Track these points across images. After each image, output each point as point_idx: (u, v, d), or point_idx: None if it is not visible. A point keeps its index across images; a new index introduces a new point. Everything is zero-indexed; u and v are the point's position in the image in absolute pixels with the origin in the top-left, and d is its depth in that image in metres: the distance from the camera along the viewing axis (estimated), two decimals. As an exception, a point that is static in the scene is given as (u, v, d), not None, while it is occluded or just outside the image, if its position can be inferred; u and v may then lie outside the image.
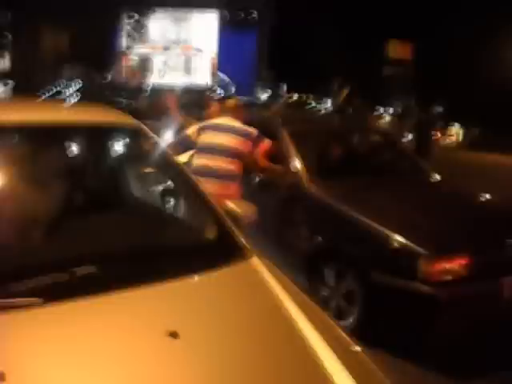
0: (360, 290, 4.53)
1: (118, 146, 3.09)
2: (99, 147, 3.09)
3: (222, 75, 36.31)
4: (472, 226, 4.71)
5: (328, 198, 5.07)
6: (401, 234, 4.36)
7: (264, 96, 41.88)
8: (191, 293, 2.18)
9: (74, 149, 3.06)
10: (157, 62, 41.56)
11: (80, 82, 35.12)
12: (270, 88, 43.72)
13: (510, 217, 5.30)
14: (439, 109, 38.20)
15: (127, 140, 3.11)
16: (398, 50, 16.29)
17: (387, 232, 4.42)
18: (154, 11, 36.33)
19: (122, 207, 2.94)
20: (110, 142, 3.08)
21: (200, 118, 5.91)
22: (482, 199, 5.72)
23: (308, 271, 5.01)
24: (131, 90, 31.83)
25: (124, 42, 34.32)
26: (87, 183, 2.89)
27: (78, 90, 34.30)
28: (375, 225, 4.52)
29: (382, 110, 36.11)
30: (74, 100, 30.71)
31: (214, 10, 38.95)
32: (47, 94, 32.51)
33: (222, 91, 34.95)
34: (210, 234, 2.65)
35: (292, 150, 5.47)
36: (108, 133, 3.07)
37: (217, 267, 2.33)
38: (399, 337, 4.39)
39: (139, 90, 31.19)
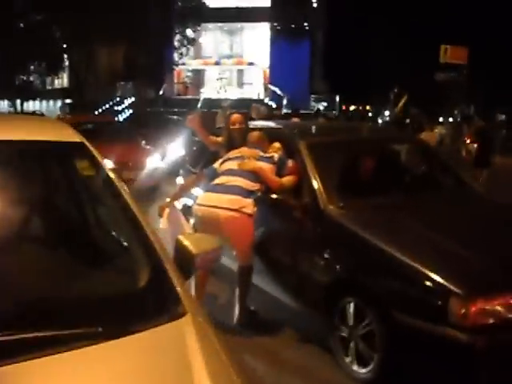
0: (381, 332, 3.77)
1: (51, 168, 2.50)
2: (23, 169, 2.49)
3: (273, 88, 35.92)
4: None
5: (348, 221, 4.33)
6: (430, 267, 3.57)
7: (320, 107, 41.16)
8: (88, 368, 1.63)
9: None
10: (210, 76, 41.71)
11: (132, 97, 35.50)
12: (324, 100, 42.93)
13: None
14: (501, 117, 36.56)
15: (63, 160, 2.51)
16: (450, 54, 15.32)
17: (415, 265, 3.64)
18: (204, 26, 36.19)
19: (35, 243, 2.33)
20: (39, 163, 2.48)
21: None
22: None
23: (325, 305, 4.29)
24: (183, 104, 31.73)
25: (176, 57, 34.30)
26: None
27: (130, 106, 34.68)
28: (401, 256, 3.75)
29: (441, 119, 34.81)
30: (125, 115, 31.04)
31: (265, 22, 38.62)
32: (100, 110, 33.01)
33: (274, 104, 34.59)
34: (139, 281, 2.01)
35: (309, 165, 4.76)
36: (38, 152, 2.47)
37: (133, 330, 1.77)
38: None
39: (192, 103, 31.05)
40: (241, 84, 40.75)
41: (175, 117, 19.28)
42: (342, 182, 4.82)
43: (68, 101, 37.66)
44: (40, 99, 43.20)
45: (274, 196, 4.86)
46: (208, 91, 38.65)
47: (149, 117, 21.25)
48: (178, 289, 1.98)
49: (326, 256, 4.33)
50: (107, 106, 36.34)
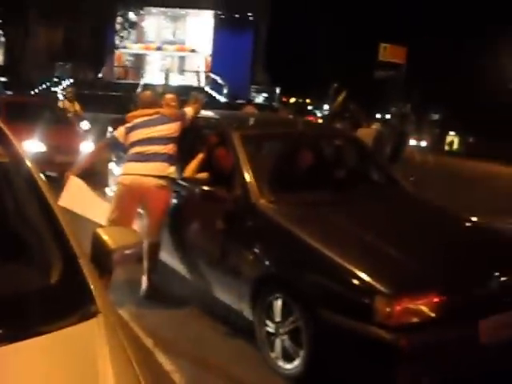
0: (307, 328, 3.73)
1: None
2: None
3: (215, 76, 35.62)
4: (448, 256, 3.91)
5: (278, 216, 4.28)
6: (357, 265, 3.56)
7: (260, 99, 41.11)
8: None
9: None
10: (151, 61, 40.98)
11: (71, 79, 34.48)
12: (265, 91, 42.94)
13: (498, 244, 4.48)
14: (435, 116, 37.61)
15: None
16: (390, 53, 15.54)
17: (342, 263, 3.63)
18: (147, 10, 35.49)
19: None
20: None
21: None
22: (465, 221, 4.93)
23: (253, 300, 4.23)
24: (123, 88, 31.02)
25: (117, 40, 33.50)
26: None
27: (68, 87, 33.72)
28: (329, 253, 3.72)
29: (379, 115, 35.43)
30: (62, 97, 30.20)
31: (209, 10, 38.19)
32: (36, 91, 31.93)
33: (215, 92, 34.33)
34: (52, 275, 1.87)
35: (242, 157, 4.67)
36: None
37: (38, 332, 1.64)
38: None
39: (131, 88, 30.40)
40: (182, 71, 40.16)
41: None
42: (274, 176, 4.77)
43: (2, 79, 36.28)
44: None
45: (206, 188, 4.74)
46: (148, 76, 37.94)
47: (87, 100, 20.69)
48: (92, 286, 1.86)
49: (255, 250, 4.27)
50: (44, 86, 35.19)
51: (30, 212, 2.18)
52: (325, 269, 3.73)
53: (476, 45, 28.77)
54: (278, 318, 4.00)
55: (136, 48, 40.11)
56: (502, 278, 3.82)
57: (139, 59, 41.25)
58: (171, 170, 4.98)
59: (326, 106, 38.98)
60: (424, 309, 3.43)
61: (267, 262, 4.21)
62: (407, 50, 15.94)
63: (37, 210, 2.14)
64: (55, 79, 35.84)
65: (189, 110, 5.34)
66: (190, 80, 37.43)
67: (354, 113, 15.67)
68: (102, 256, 2.10)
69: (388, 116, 35.63)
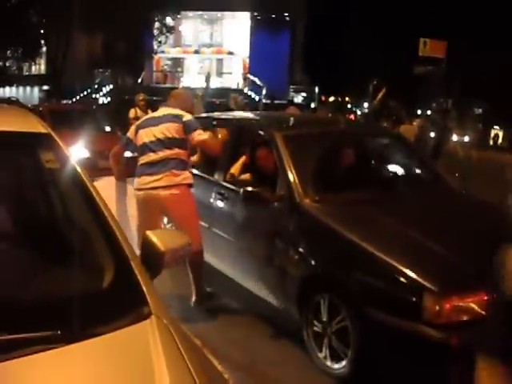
0: (355, 328, 3.73)
1: (17, 160, 2.40)
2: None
3: (253, 78, 35.72)
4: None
5: (323, 215, 4.28)
6: (405, 264, 3.54)
7: (299, 98, 41.06)
8: (45, 374, 1.56)
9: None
10: (189, 64, 41.36)
11: (111, 85, 35.06)
12: (303, 91, 42.86)
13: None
14: (478, 110, 36.91)
15: (29, 151, 2.41)
16: (430, 48, 15.33)
17: (389, 260, 3.61)
18: (183, 14, 35.81)
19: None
20: (6, 154, 2.37)
21: None
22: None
23: (299, 300, 4.24)
24: (163, 92, 31.36)
25: (155, 45, 33.89)
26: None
27: (109, 93, 34.27)
28: (376, 252, 3.70)
29: (419, 111, 34.96)
30: (103, 103, 30.73)
31: (245, 12, 38.31)
32: (77, 97, 32.60)
33: (254, 94, 34.42)
34: (105, 279, 1.92)
35: (285, 157, 4.69)
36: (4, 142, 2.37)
37: (94, 334, 1.69)
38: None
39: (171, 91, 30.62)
40: (220, 73, 40.43)
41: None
42: (318, 175, 4.75)
43: (45, 87, 37.12)
44: (16, 85, 42.51)
45: (250, 189, 4.77)
46: (187, 80, 38.32)
47: (127, 105, 21.01)
48: (144, 289, 1.91)
49: (300, 250, 4.28)
50: (85, 93, 35.88)
51: (81, 216, 2.24)
52: (372, 267, 3.72)
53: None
54: (325, 318, 4.01)
55: (174, 52, 40.57)
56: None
57: (177, 63, 41.72)
58: (182, 176, 4.78)
59: (365, 104, 38.70)
60: (474, 307, 3.39)
61: (313, 262, 4.22)
62: (447, 45, 15.72)
63: (88, 214, 2.19)
64: (95, 86, 36.54)
65: (202, 136, 4.86)
66: (228, 82, 37.68)
67: (394, 110, 15.54)
68: (152, 258, 2.15)
69: (429, 112, 35.19)
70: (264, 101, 29.20)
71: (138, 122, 5.15)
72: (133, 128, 5.08)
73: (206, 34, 41.55)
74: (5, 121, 2.51)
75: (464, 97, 27.10)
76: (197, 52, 40.55)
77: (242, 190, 4.72)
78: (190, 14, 38.29)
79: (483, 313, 3.37)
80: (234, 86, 35.86)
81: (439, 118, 18.46)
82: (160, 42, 32.62)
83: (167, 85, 36.66)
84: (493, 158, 21.72)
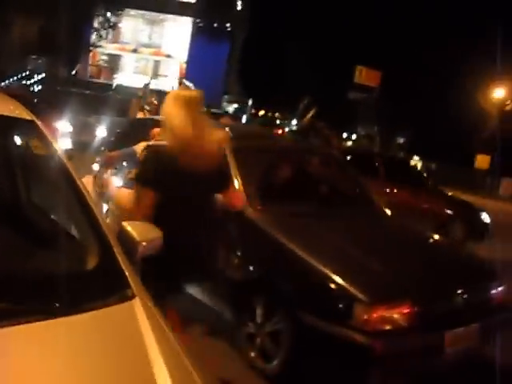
0: (288, 330, 4.03)
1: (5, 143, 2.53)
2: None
3: (188, 83, 35.76)
4: (418, 272, 4.26)
5: (265, 224, 4.57)
6: (339, 274, 3.87)
7: (230, 109, 41.44)
8: (43, 341, 1.70)
9: None
10: (125, 62, 40.96)
11: (43, 73, 34.23)
12: (236, 102, 43.32)
13: (460, 263, 4.91)
14: (401, 140, 38.48)
15: (15, 137, 2.55)
16: (365, 76, 16.05)
17: (324, 270, 3.93)
18: (126, 11, 35.51)
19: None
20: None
21: None
22: (433, 241, 5.32)
23: (237, 303, 4.50)
24: (96, 87, 30.92)
25: (93, 39, 33.41)
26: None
27: (40, 82, 33.43)
28: (312, 260, 4.03)
29: (345, 135, 36.04)
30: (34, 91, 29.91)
31: (187, 17, 38.43)
32: (7, 82, 31.58)
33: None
34: (89, 262, 2.11)
35: (233, 167, 4.95)
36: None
37: (84, 309, 1.85)
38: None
39: (104, 88, 30.29)
40: (156, 75, 40.25)
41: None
42: (262, 186, 5.04)
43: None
44: None
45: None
46: (121, 77, 37.95)
47: (58, 95, 20.68)
48: (127, 273, 2.10)
49: (241, 255, 4.55)
50: (15, 78, 34.82)
51: (65, 202, 2.40)
52: (308, 275, 4.03)
53: (441, 71, 29.73)
54: (259, 320, 4.28)
55: (111, 48, 40.12)
56: (465, 295, 4.20)
57: (114, 59, 41.25)
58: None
59: (293, 121, 39.56)
60: (397, 317, 3.75)
61: (252, 267, 4.48)
62: (381, 74, 16.51)
63: (72, 200, 2.36)
64: (27, 72, 35.52)
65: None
66: (163, 85, 37.56)
67: (322, 131, 16.08)
68: (127, 247, 2.34)
69: (353, 136, 36.32)
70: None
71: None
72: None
73: (145, 33, 41.34)
74: None
75: (390, 125, 28.24)
76: (135, 51, 40.27)
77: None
78: (132, 12, 38.02)
79: (405, 324, 3.75)
80: (169, 89, 35.78)
81: (367, 143, 19.26)
82: (101, 36, 32.20)
83: (101, 80, 36.22)
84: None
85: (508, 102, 30.44)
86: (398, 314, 3.76)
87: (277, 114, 49.80)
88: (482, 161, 25.25)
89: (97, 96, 23.03)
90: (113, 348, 1.78)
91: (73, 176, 2.42)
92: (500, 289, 4.57)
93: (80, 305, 1.86)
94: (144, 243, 2.40)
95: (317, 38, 37.31)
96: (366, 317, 3.67)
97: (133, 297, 2.01)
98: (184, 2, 37.35)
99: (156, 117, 6.92)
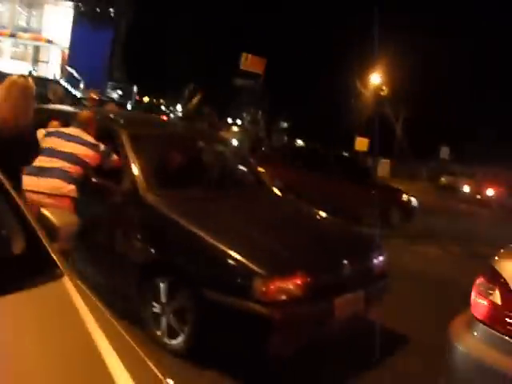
0: (192, 307, 4.29)
1: None
2: None
3: (71, 70, 34.75)
4: (309, 246, 4.68)
5: (164, 208, 4.78)
6: (237, 251, 4.18)
7: (115, 96, 40.61)
8: None
9: None
10: (3, 47, 38.93)
11: None
12: (120, 88, 42.55)
13: (344, 237, 5.39)
14: (284, 124, 39.67)
15: None
16: (250, 62, 16.46)
17: (223, 248, 4.23)
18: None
19: None
20: None
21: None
22: (321, 218, 5.76)
23: (139, 285, 4.68)
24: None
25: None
26: None
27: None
28: (211, 240, 4.31)
29: (230, 120, 36.56)
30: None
31: (69, 1, 37.19)
32: None
33: (70, 86, 33.47)
34: (16, 247, 2.25)
35: (130, 154, 5.11)
36: None
37: (19, 288, 1.98)
38: (231, 357, 4.26)
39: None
40: (36, 61, 38.63)
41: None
42: (159, 172, 5.25)
43: None
44: None
45: (95, 180, 5.10)
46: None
47: None
48: (53, 254, 2.26)
49: (142, 238, 4.74)
50: None
51: None
52: (209, 254, 4.30)
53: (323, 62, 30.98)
54: (164, 299, 4.50)
55: (-14, 31, 38.03)
56: (350, 266, 4.65)
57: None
58: (68, 189, 4.75)
59: (178, 107, 39.56)
60: (292, 288, 4.12)
61: (154, 250, 4.68)
62: (266, 61, 16.99)
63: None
64: None
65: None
66: (43, 71, 36.18)
67: (208, 116, 16.37)
68: (48, 232, 2.47)
69: (238, 121, 36.95)
70: (80, 95, 28.65)
71: (50, 130, 5.08)
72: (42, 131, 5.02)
73: (23, 17, 39.47)
74: None
75: (274, 111, 29.04)
76: (13, 35, 38.34)
77: (88, 182, 5.02)
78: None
79: (299, 293, 4.13)
80: (51, 77, 34.52)
81: (252, 128, 19.76)
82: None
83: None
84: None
85: (384, 88, 32.21)
86: (292, 284, 4.13)
87: (161, 101, 49.54)
88: (361, 143, 26.56)
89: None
90: (51, 323, 1.93)
91: None
92: (380, 258, 5.09)
93: (12, 286, 1.97)
94: (63, 228, 2.55)
95: (202, 23, 37.41)
96: (264, 289, 4.00)
97: (62, 275, 2.17)
98: (63, -15, 36.13)
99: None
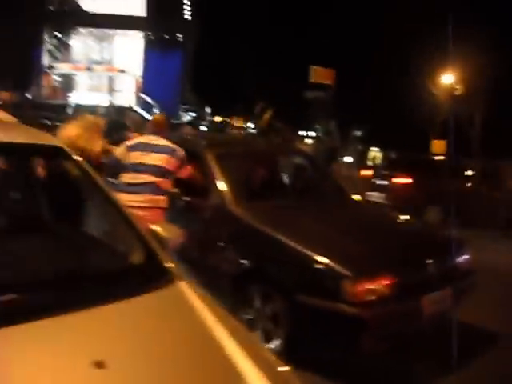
0: (286, 312, 4.52)
1: (39, 168, 2.98)
2: (19, 169, 2.96)
3: (145, 97, 36.12)
4: (394, 248, 4.83)
5: (253, 220, 5.06)
6: (325, 256, 4.40)
7: (186, 118, 41.74)
8: (117, 319, 2.09)
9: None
10: (79, 81, 40.94)
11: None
12: (193, 111, 43.70)
13: (427, 239, 5.52)
14: (358, 133, 39.47)
15: (48, 161, 3.00)
16: (320, 75, 16.70)
17: (311, 254, 4.46)
18: (77, 30, 35.60)
19: (43, 231, 2.81)
20: (29, 163, 2.96)
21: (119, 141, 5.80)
22: (402, 221, 5.89)
23: (233, 294, 4.96)
24: (53, 108, 30.85)
25: (46, 60, 33.36)
26: (6, 206, 2.75)
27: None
28: (299, 247, 4.55)
29: (304, 133, 36.79)
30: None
31: (138, 31, 38.70)
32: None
33: (145, 112, 34.76)
34: (136, 257, 2.57)
35: (217, 172, 5.45)
36: (27, 153, 2.95)
37: (143, 292, 2.27)
38: (326, 358, 4.46)
39: (62, 108, 30.25)
40: (111, 91, 40.36)
41: (46, 121, 18.81)
42: (244, 187, 5.56)
43: None
44: None
45: (184, 198, 5.47)
46: (76, 96, 37.93)
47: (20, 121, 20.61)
48: (169, 263, 2.55)
49: (233, 250, 5.04)
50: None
51: (112, 213, 2.82)
52: (298, 260, 4.54)
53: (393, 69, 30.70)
54: (257, 306, 4.76)
55: (64, 68, 40.08)
56: (435, 265, 4.77)
57: (67, 79, 41.17)
58: (159, 200, 5.16)
59: (249, 124, 40.15)
60: (380, 288, 4.29)
61: (245, 260, 4.96)
62: (336, 72, 17.19)
63: (114, 210, 2.79)
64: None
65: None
66: (119, 100, 37.75)
67: (281, 131, 16.66)
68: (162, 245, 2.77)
69: (311, 133, 37.06)
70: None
71: (129, 143, 5.39)
72: (123, 147, 5.35)
73: (95, 50, 41.39)
74: (18, 134, 3.07)
75: (347, 120, 29.05)
76: (88, 69, 40.27)
77: (179, 199, 5.40)
78: (82, 30, 38.09)
79: (387, 293, 4.30)
80: (126, 105, 36.01)
81: (326, 139, 19.89)
82: (55, 57, 32.21)
83: (57, 101, 36.12)
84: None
85: (457, 87, 31.55)
86: (379, 285, 4.30)
87: (233, 119, 50.45)
88: (438, 146, 26.13)
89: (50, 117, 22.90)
90: (172, 322, 2.19)
91: (106, 189, 2.88)
92: (464, 257, 5.18)
93: (134, 291, 2.24)
94: (171, 239, 2.87)
95: (268, 40, 37.93)
96: (352, 290, 4.20)
97: (178, 280, 2.45)
98: (134, 17, 37.59)
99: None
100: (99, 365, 1.75)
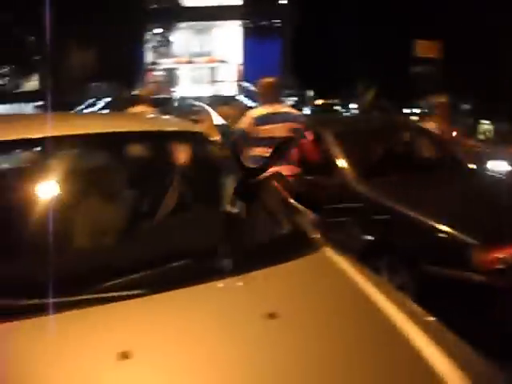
0: (413, 282, 4.65)
1: (183, 152, 3.29)
2: (164, 154, 3.31)
3: (247, 84, 36.67)
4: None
5: (377, 195, 5.22)
6: (451, 225, 4.50)
7: (290, 103, 41.88)
8: (282, 280, 2.34)
9: (140, 155, 3.30)
10: (181, 74, 42.27)
11: (108, 97, 35.72)
12: (294, 95, 43.77)
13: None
14: (466, 106, 37.98)
15: (192, 146, 3.30)
16: (425, 48, 16.34)
17: (437, 224, 4.57)
18: (177, 26, 36.73)
19: (197, 211, 3.12)
20: (174, 149, 3.28)
21: None
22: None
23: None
24: (159, 103, 32.00)
25: (150, 57, 34.71)
26: (164, 188, 3.08)
27: (108, 106, 34.91)
28: (425, 218, 4.66)
29: (408, 110, 35.94)
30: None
31: (235, 20, 39.34)
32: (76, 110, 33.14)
33: (249, 100, 35.31)
34: (286, 228, 2.80)
35: (337, 150, 5.65)
36: (173, 139, 3.28)
37: (298, 257, 2.48)
38: (453, 326, 4.54)
39: (167, 102, 31.32)
40: (213, 81, 41.34)
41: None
42: (365, 163, 5.72)
43: (39, 103, 37.60)
44: (11, 102, 42.93)
45: (309, 177, 5.70)
46: (179, 89, 39.14)
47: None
48: (313, 233, 2.78)
49: (358, 225, 5.21)
50: (82, 106, 36.50)
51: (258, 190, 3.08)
52: (424, 231, 4.67)
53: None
54: (385, 277, 4.92)
55: (167, 63, 41.49)
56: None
57: (170, 73, 42.58)
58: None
59: (352, 105, 39.71)
60: (507, 257, 4.33)
61: (371, 234, 5.13)
62: (443, 45, 16.72)
63: (260, 188, 3.05)
64: (92, 99, 37.10)
65: None
66: (221, 90, 38.61)
67: (386, 110, 16.43)
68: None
69: (416, 110, 36.06)
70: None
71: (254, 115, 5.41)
72: (252, 116, 5.39)
73: (195, 43, 42.46)
74: (162, 123, 3.43)
75: (455, 93, 28.12)
76: (190, 62, 41.42)
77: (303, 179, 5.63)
78: (183, 24, 39.22)
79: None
80: (229, 94, 36.76)
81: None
82: (161, 53, 33.45)
83: (161, 95, 37.41)
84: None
85: None
86: (507, 254, 4.33)
87: (335, 101, 50.07)
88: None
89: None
90: (323, 284, 2.40)
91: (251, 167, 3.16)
92: None
93: (283, 257, 2.45)
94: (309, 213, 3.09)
95: (369, 17, 37.23)
96: (481, 258, 4.27)
97: (325, 247, 2.68)
98: (231, 6, 38.26)
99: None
100: (272, 316, 2.00)
